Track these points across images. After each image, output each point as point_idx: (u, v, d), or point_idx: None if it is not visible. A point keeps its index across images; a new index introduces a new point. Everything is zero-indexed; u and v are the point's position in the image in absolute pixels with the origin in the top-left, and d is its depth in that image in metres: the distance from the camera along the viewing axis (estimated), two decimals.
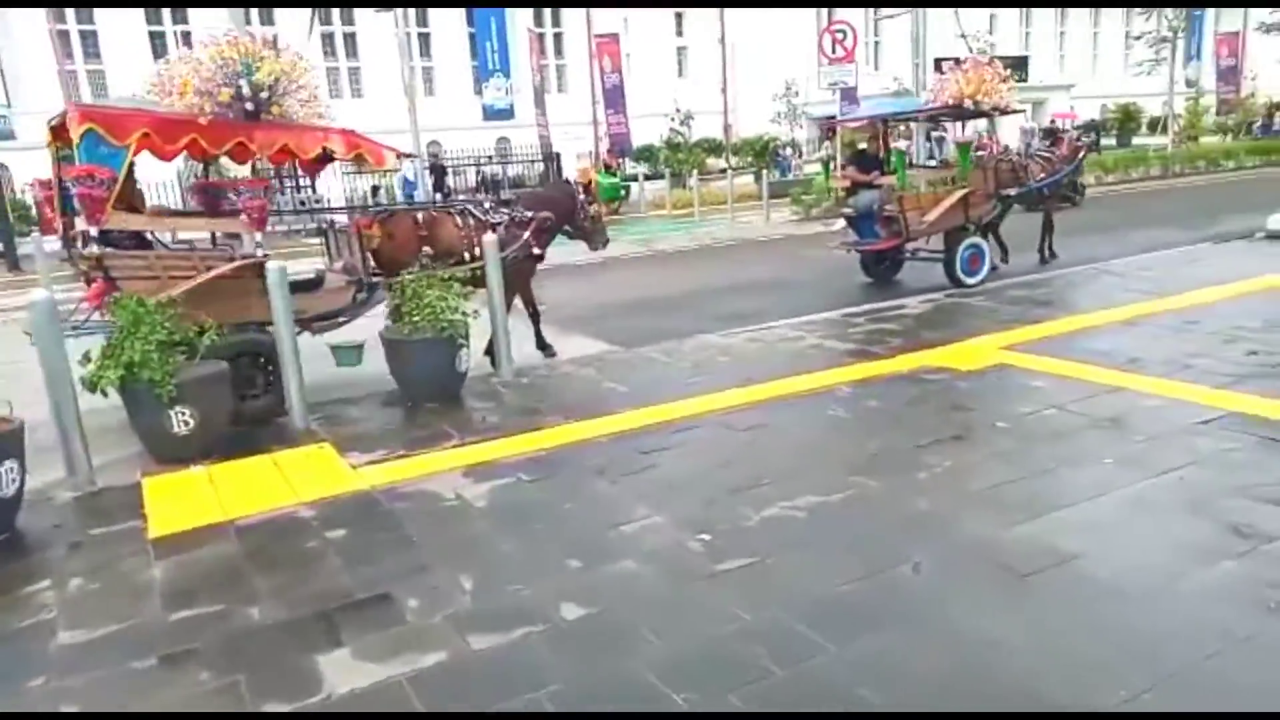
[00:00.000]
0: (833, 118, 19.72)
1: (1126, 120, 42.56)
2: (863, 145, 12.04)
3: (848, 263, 12.96)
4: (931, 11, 24.41)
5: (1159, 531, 3.80)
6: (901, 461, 4.75)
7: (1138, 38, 31.18)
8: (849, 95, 22.29)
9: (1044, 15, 46.55)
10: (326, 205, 21.33)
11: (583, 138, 33.02)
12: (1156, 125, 41.15)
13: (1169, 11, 29.12)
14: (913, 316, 8.59)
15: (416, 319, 6.18)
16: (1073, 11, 47.66)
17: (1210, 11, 38.76)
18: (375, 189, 25.27)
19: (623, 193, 26.05)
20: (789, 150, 32.38)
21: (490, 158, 29.34)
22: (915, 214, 10.09)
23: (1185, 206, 17.82)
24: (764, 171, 22.80)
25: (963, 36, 23.17)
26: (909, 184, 10.43)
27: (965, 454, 4.81)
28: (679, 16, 36.64)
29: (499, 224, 7.47)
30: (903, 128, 15.32)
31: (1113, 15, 48.72)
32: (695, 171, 23.45)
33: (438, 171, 25.64)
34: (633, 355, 7.65)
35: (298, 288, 6.34)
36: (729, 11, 36.22)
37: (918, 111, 12.48)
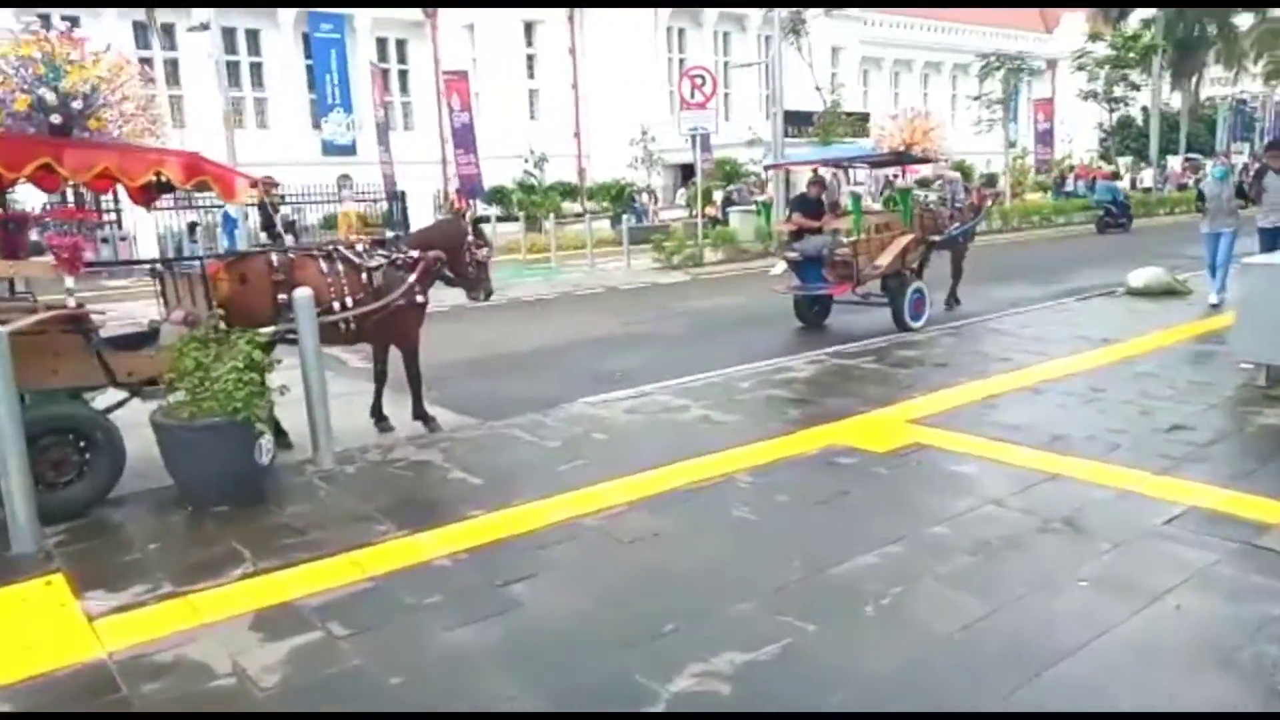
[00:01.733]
0: (693, 164, 19.25)
1: (963, 177, 44.96)
2: (803, 190, 11.82)
3: (719, 315, 12.21)
4: (786, 65, 24.59)
5: (1198, 697, 2.91)
6: (838, 589, 3.73)
7: (976, 98, 32.75)
8: (707, 142, 22.01)
9: (879, 76, 48.84)
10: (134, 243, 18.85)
11: (430, 178, 31.50)
12: (989, 181, 43.77)
13: (999, 76, 30.87)
14: (802, 380, 7.75)
15: (202, 400, 4.71)
16: (903, 74, 50.35)
17: (1028, 79, 41.95)
18: (193, 225, 22.75)
19: None
20: (645, 196, 31.94)
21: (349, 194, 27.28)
22: (866, 258, 10.04)
23: (1032, 261, 18.22)
24: (623, 217, 22.03)
25: (818, 89, 23.42)
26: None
27: (911, 573, 3.85)
28: (530, 59, 35.86)
29: (375, 267, 6.21)
30: (854, 175, 15.39)
31: (942, 78, 51.91)
32: (551, 215, 22.44)
33: (266, 209, 23.39)
34: (489, 432, 6.39)
35: (125, 343, 5.29)
36: (582, 56, 35.83)
37: (863, 157, 12.42)
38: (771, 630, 3.38)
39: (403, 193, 26.40)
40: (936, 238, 11.37)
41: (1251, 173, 16.54)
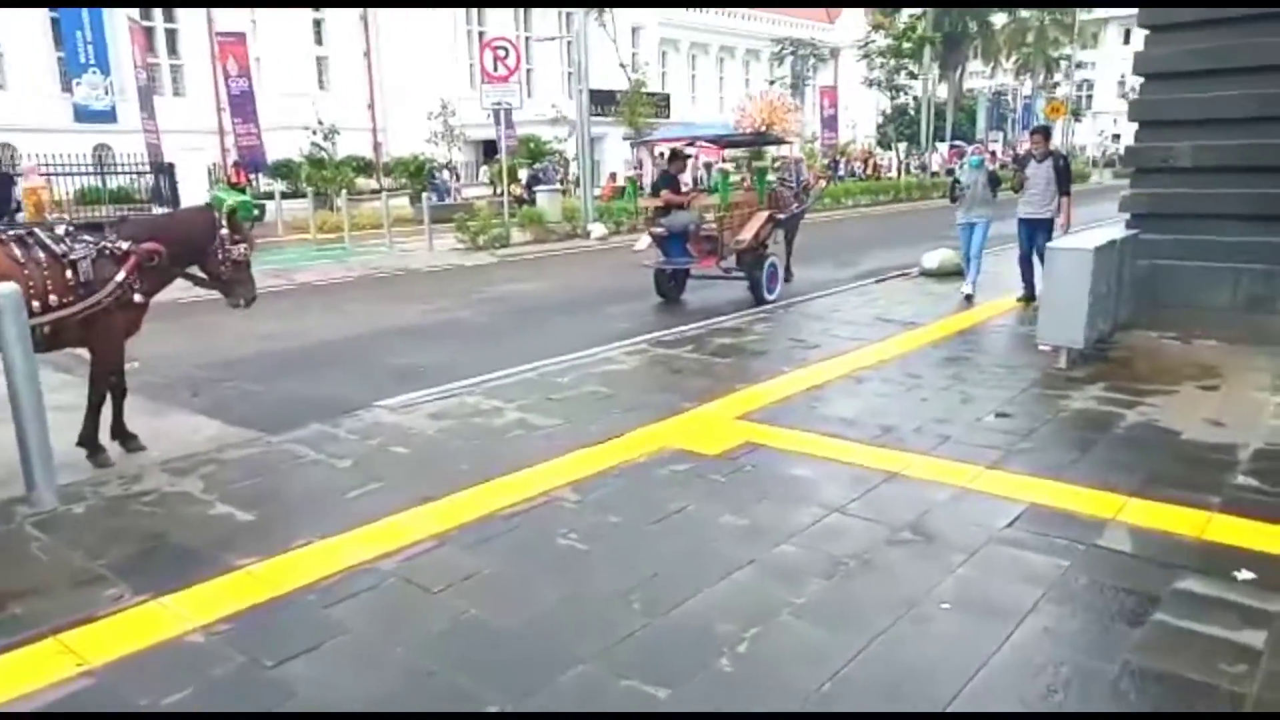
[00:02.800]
0: (497, 139, 18.37)
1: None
2: (664, 167, 11.69)
3: (531, 301, 11.55)
4: (591, 42, 24.03)
5: None
6: (687, 636, 3.23)
7: (771, 82, 33.64)
8: (510, 118, 21.12)
9: (678, 58, 49.36)
10: None
11: (205, 148, 28.58)
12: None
13: (789, 62, 31.90)
14: (623, 373, 7.25)
15: None
16: (700, 57, 51.23)
17: (814, 64, 43.86)
18: None
19: (256, 213, 22.50)
20: (447, 173, 30.50)
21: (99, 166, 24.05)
22: (729, 233, 10.55)
23: (826, 243, 18.77)
24: (424, 194, 20.76)
25: (622, 66, 23.05)
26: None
27: (766, 606, 3.41)
28: (318, 24, 33.27)
29: (81, 257, 4.94)
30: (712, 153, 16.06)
31: (736, 63, 53.28)
32: (344, 191, 20.80)
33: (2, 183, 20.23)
34: (266, 450, 5.43)
35: None
36: (374, 23, 33.68)
37: (726, 137, 12.70)
38: (615, 700, 2.82)
39: (170, 165, 23.70)
40: (782, 215, 11.93)
41: (1014, 160, 17.64)
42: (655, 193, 11.16)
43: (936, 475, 4.74)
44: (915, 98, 40.14)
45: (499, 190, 26.23)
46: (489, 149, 33.14)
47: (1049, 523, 4.12)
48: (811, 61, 31.84)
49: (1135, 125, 8.13)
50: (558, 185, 24.44)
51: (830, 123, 45.57)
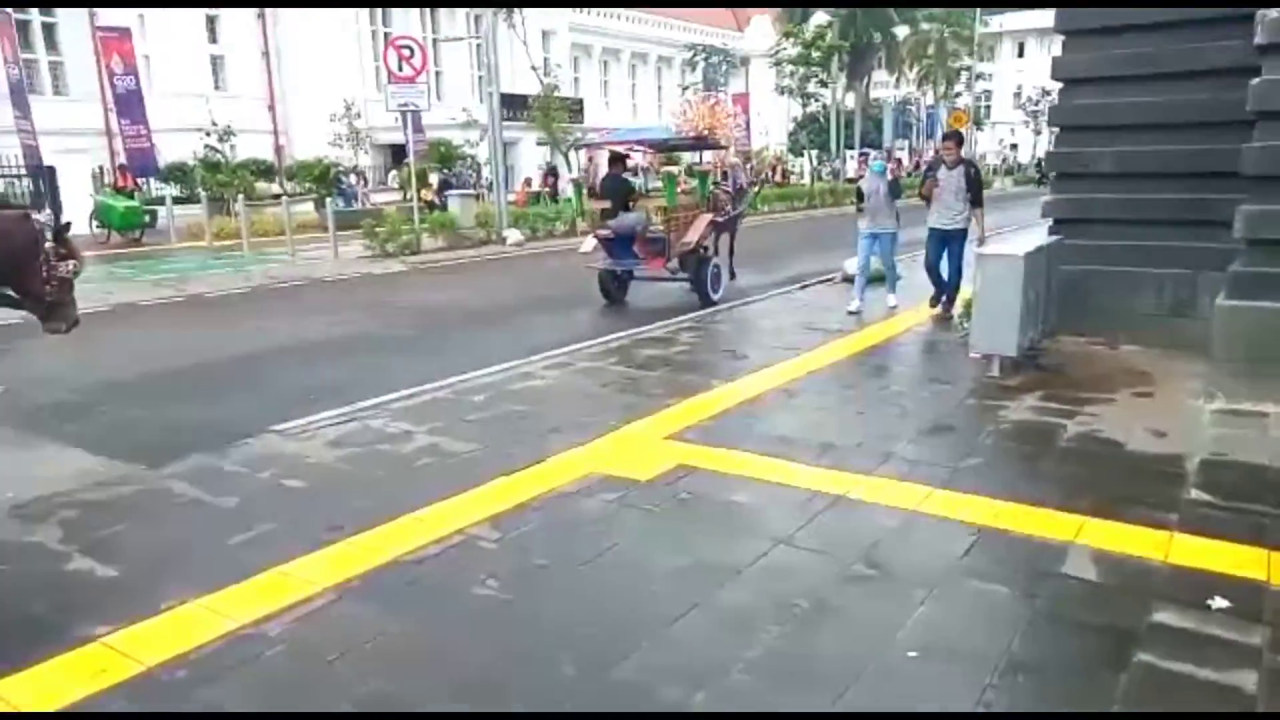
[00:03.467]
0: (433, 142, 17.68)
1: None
2: (606, 170, 11.92)
3: (444, 311, 10.98)
4: (499, 46, 23.39)
5: None
6: (628, 703, 2.80)
7: (685, 88, 33.57)
8: (418, 121, 20.38)
9: (589, 64, 49.00)
10: None
11: (90, 150, 26.87)
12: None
13: (700, 69, 31.85)
14: (542, 389, 6.79)
15: None
16: (612, 63, 50.97)
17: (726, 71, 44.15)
18: None
19: (145, 219, 21.24)
20: (353, 178, 29.41)
21: None
22: (676, 235, 10.63)
23: (747, 249, 18.57)
24: (329, 199, 19.82)
25: (534, 69, 22.53)
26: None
27: (715, 662, 3.02)
28: (212, 21, 31.75)
29: None
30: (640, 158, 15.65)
31: (649, 69, 53.24)
32: (241, 196, 19.67)
33: None
34: (140, 489, 4.78)
35: None
36: (273, 22, 32.36)
37: (669, 141, 12.95)
38: None
39: (50, 168, 22.14)
40: (720, 219, 11.92)
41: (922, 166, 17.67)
42: (604, 196, 11.14)
43: (883, 498, 4.43)
44: (824, 105, 40.81)
45: (409, 195, 25.37)
46: (397, 153, 32.14)
47: (1009, 549, 3.84)
48: (724, 68, 31.78)
49: (1056, 130, 8.10)
50: (471, 190, 23.73)
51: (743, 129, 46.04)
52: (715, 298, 10.87)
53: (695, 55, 30.60)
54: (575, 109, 32.75)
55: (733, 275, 12.57)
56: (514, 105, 28.68)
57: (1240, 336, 5.77)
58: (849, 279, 12.16)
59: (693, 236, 10.82)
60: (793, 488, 4.59)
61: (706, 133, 11.66)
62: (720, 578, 3.61)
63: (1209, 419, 5.60)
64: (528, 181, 33.17)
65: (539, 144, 35.64)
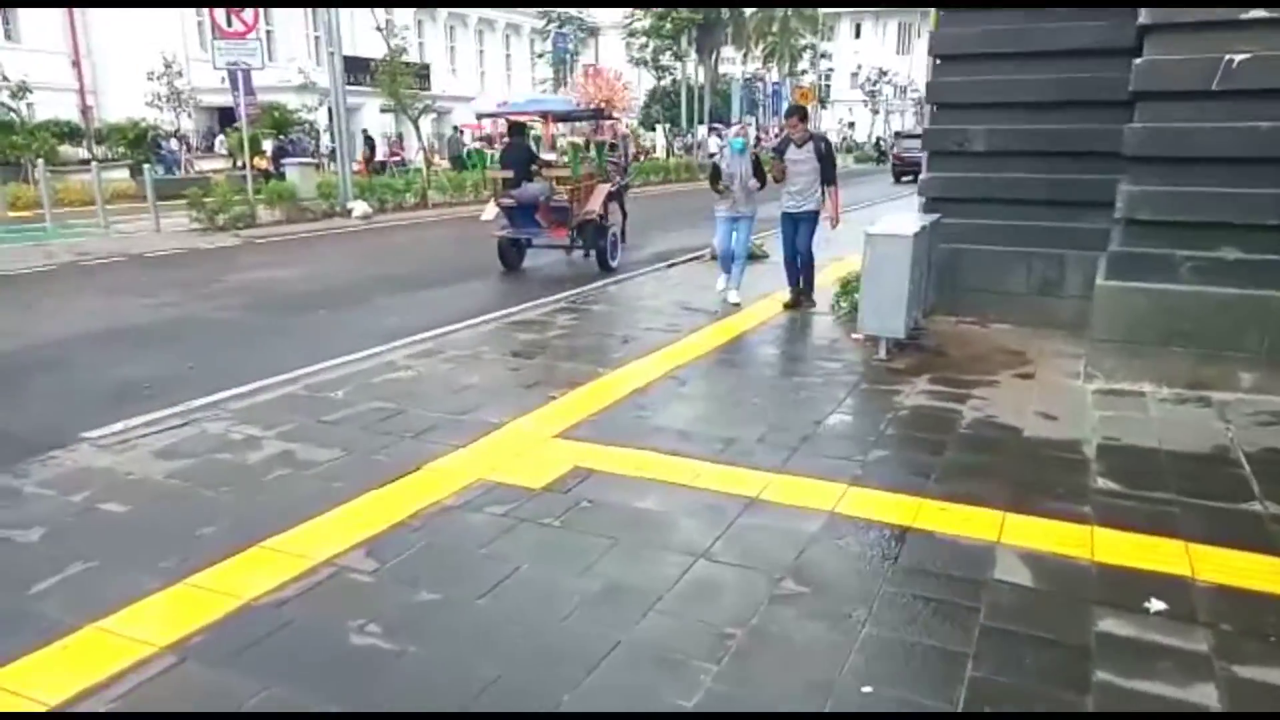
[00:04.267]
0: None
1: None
2: (507, 139, 12.16)
3: (287, 291, 10.03)
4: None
5: None
6: None
7: (540, 55, 32.61)
8: (250, 81, 18.71)
9: (435, 29, 46.98)
10: None
11: None
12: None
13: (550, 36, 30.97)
14: (408, 382, 6.12)
15: None
16: (459, 29, 49.06)
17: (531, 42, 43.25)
18: None
19: None
20: (175, 142, 26.92)
21: None
22: (578, 205, 11.03)
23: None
24: (147, 166, 17.89)
25: (379, 29, 21.13)
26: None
27: (652, 710, 2.59)
28: None
29: None
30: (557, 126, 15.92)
31: (496, 36, 51.63)
32: (41, 161, 17.46)
33: None
34: None
35: None
36: None
37: (572, 113, 13.51)
38: None
39: None
40: (612, 188, 12.16)
41: (771, 147, 17.75)
42: (505, 165, 11.43)
43: (798, 498, 4.13)
44: (675, 79, 40.71)
45: (239, 163, 23.43)
46: (225, 117, 29.73)
47: (937, 553, 3.60)
48: (578, 37, 31.08)
49: (932, 107, 8.08)
50: (311, 159, 22.12)
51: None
52: (613, 264, 11.44)
53: (549, 23, 29.63)
54: (422, 74, 31.24)
55: (624, 241, 12.88)
56: (355, 69, 26.97)
57: (1118, 316, 5.84)
58: (718, 257, 12.02)
59: (594, 205, 11.24)
60: (701, 490, 4.22)
61: (604, 105, 12.59)
62: (640, 604, 3.19)
63: (1092, 400, 5.64)
64: (371, 148, 31.49)
65: (383, 111, 33.89)
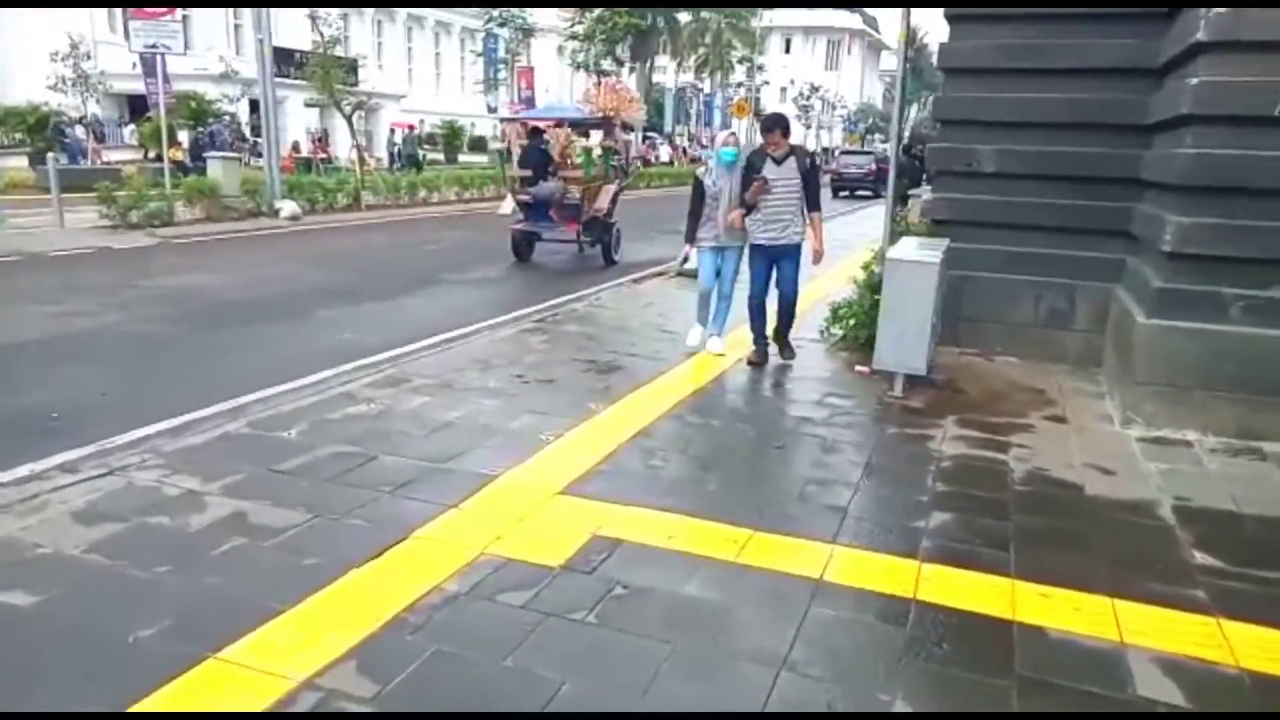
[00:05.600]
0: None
1: (452, 137, 43.49)
2: (523, 142, 13.19)
3: (213, 300, 8.98)
4: None
5: None
6: None
7: (479, 54, 31.56)
8: (165, 68, 17.29)
9: (361, 24, 45.31)
10: None
11: None
12: (478, 144, 43.19)
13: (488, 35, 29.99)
14: (370, 418, 5.27)
15: None
16: (386, 24, 47.49)
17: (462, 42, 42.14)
18: None
19: None
20: (81, 130, 25.01)
21: None
22: (589, 202, 12.32)
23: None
24: (50, 155, 16.33)
25: (312, 18, 19.90)
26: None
27: None
28: None
29: None
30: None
31: (425, 33, 50.17)
32: None
33: None
34: None
35: None
36: None
37: (582, 120, 14.21)
38: None
39: None
40: (616, 189, 13.18)
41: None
42: (525, 165, 12.57)
43: (869, 579, 3.48)
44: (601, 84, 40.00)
45: (151, 154, 21.86)
46: (135, 105, 27.84)
47: (1060, 660, 2.99)
48: (516, 38, 30.17)
49: (938, 124, 7.60)
50: (233, 153, 20.69)
51: (528, 103, 44.28)
52: (616, 258, 12.61)
53: (488, 22, 28.60)
54: (350, 69, 29.87)
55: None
56: (279, 60, 25.52)
57: (1161, 358, 5.40)
58: (685, 272, 11.37)
59: (603, 203, 12.54)
60: (752, 568, 3.54)
61: (612, 113, 13.07)
62: None
63: (1140, 450, 5.16)
64: (295, 146, 30.02)
65: (308, 105, 32.36)
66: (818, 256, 6.91)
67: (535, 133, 13.09)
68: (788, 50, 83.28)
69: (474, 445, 4.82)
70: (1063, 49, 6.76)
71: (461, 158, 40.96)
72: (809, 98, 61.58)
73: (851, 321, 7.43)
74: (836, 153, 42.44)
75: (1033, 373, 6.79)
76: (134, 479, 4.19)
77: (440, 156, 40.16)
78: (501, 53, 30.07)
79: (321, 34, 19.50)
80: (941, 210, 7.42)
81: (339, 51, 24.05)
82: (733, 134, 7.42)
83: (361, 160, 20.95)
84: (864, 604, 3.30)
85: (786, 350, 7.06)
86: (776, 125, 6.80)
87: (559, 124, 14.19)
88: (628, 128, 13.73)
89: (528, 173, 12.40)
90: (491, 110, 45.84)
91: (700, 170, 6.99)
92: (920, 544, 3.80)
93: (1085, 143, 6.81)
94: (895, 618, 3.21)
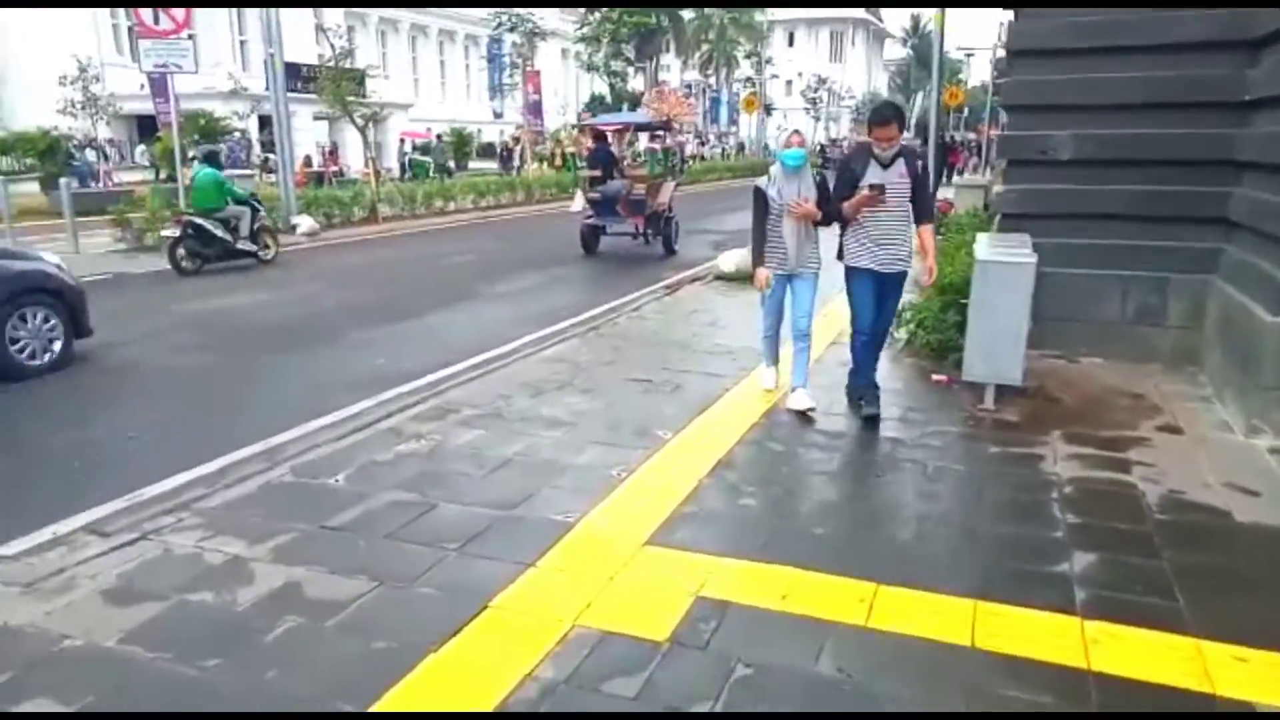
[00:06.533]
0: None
1: (461, 145, 43.04)
2: (589, 145, 15.18)
3: (241, 328, 8.51)
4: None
5: None
6: None
7: (490, 59, 31.14)
8: (173, 87, 16.88)
9: (366, 35, 44.98)
10: None
11: None
12: (488, 151, 42.76)
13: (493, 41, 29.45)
14: (422, 457, 4.80)
15: None
16: (390, 34, 47.18)
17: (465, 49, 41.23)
18: None
19: None
20: (92, 153, 24.73)
21: None
22: (651, 198, 13.47)
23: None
24: (63, 180, 15.98)
25: (323, 30, 19.50)
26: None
27: None
28: None
29: None
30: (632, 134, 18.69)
31: (428, 42, 49.80)
32: None
33: None
34: None
35: None
36: None
37: (648, 124, 16.52)
38: None
39: None
40: (675, 186, 14.53)
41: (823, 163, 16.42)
42: (593, 165, 14.04)
43: (1028, 644, 2.99)
44: (613, 85, 39.38)
45: (164, 175, 21.51)
46: (144, 126, 27.57)
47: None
48: (529, 42, 29.70)
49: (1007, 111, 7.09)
50: (246, 170, 20.33)
51: (535, 109, 43.81)
52: (676, 248, 13.87)
53: (499, 26, 28.16)
54: (359, 80, 29.57)
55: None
56: (288, 74, 25.20)
57: None
58: (722, 277, 10.89)
59: (665, 198, 13.75)
60: (888, 634, 3.05)
61: (671, 118, 15.49)
62: None
63: (1275, 463, 4.64)
64: (307, 160, 29.70)
65: (316, 118, 32.06)
66: (930, 276, 5.44)
67: (600, 137, 14.82)
68: (791, 44, 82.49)
69: (541, 486, 4.35)
70: (1144, 24, 6.24)
71: (472, 165, 40.53)
72: (816, 90, 60.81)
73: (916, 327, 6.93)
74: (844, 144, 41.70)
75: (1125, 375, 6.27)
76: (170, 544, 3.74)
77: (452, 164, 39.74)
78: (507, 58, 29.59)
79: (332, 45, 19.09)
80: (1013, 203, 6.90)
81: (347, 64, 23.75)
82: (797, 132, 5.84)
83: (376, 172, 20.54)
84: (1032, 679, 2.81)
85: (875, 405, 5.39)
86: (895, 116, 5.12)
87: (625, 128, 16.14)
88: (679, 130, 15.75)
89: (597, 172, 13.78)
90: (498, 116, 45.54)
91: (762, 180, 5.56)
92: (1074, 595, 3.30)
93: (1171, 123, 6.29)
94: (1073, 694, 2.73)
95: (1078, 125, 6.59)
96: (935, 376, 6.24)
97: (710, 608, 3.22)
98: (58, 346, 6.94)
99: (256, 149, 30.70)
